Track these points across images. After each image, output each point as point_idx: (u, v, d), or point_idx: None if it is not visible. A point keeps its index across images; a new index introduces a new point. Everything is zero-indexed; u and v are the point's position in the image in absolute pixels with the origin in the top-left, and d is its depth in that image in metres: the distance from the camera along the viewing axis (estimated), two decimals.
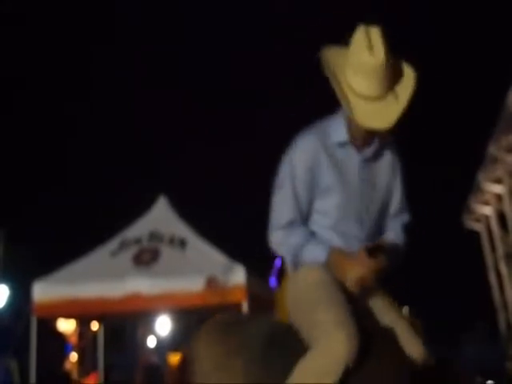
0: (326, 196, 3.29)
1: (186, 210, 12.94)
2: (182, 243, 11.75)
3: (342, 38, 3.20)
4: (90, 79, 36.46)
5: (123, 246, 12.00)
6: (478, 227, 20.56)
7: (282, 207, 3.32)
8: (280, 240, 3.33)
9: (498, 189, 16.60)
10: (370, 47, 3.02)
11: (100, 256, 11.96)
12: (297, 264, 3.29)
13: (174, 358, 16.18)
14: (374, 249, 3.15)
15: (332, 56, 3.20)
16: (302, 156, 3.27)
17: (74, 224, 28.54)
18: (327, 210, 3.32)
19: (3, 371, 14.08)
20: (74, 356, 17.91)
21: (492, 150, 14.92)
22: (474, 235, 21.06)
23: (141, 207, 12.98)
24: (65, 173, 34.03)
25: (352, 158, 3.31)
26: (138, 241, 12.04)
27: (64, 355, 17.83)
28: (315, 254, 3.23)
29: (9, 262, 19.86)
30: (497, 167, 15.58)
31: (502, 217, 17.10)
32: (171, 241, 11.84)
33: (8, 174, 27.92)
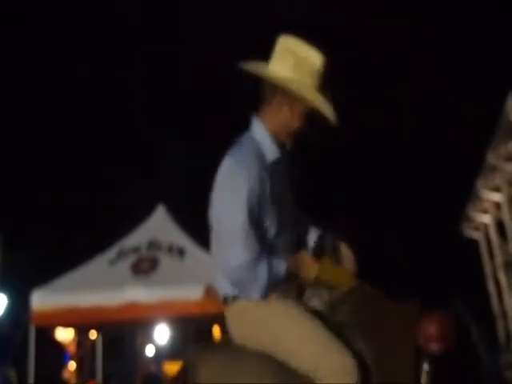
0: (268, 212, 3.22)
1: (185, 219, 12.94)
2: (181, 252, 11.76)
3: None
4: (89, 80, 36.49)
5: (121, 254, 12.00)
6: (477, 235, 20.57)
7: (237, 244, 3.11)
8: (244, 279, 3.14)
9: (496, 197, 16.61)
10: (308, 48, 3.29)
11: (98, 265, 11.96)
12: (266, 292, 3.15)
13: (172, 367, 16.16)
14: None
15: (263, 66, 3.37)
16: (249, 182, 3.12)
17: (73, 232, 28.52)
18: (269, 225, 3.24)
19: (2, 379, 14.07)
20: (72, 365, 17.90)
21: (491, 158, 14.93)
22: (473, 243, 21.07)
23: (139, 215, 12.99)
24: (64, 180, 34.03)
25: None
26: (136, 249, 12.04)
27: (62, 364, 17.83)
28: (278, 269, 3.14)
29: (7, 270, 19.85)
30: (495, 175, 15.59)
31: (500, 225, 17.10)
32: (170, 249, 11.85)
33: (6, 182, 27.92)
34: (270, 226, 3.22)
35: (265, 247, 3.15)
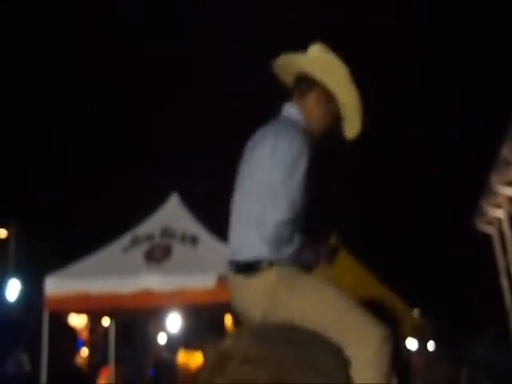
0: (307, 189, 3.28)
1: (198, 207, 12.99)
2: (194, 240, 11.79)
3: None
4: (91, 79, 36.57)
5: (135, 242, 12.05)
6: (490, 230, 20.51)
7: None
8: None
9: (510, 192, 16.56)
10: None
11: (112, 252, 12.02)
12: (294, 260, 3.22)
13: (185, 356, 16.21)
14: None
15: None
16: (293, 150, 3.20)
17: (87, 219, 28.64)
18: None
19: (15, 364, 14.18)
20: (84, 351, 18.00)
21: (505, 152, 14.89)
22: (486, 238, 21.02)
23: (153, 203, 13.05)
24: (78, 167, 34.15)
25: None
26: (149, 237, 12.09)
27: (75, 350, 17.93)
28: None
29: (21, 256, 19.96)
30: (510, 170, 15.54)
31: None
32: (183, 237, 11.88)
33: (20, 170, 28.06)
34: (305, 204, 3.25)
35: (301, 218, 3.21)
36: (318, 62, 3.45)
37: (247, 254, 3.24)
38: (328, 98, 3.46)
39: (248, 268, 3.21)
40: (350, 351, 3.00)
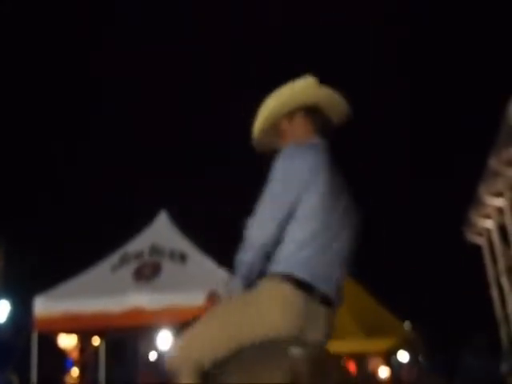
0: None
1: (187, 225, 12.97)
2: (183, 257, 11.76)
3: None
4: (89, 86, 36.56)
5: (124, 260, 12.02)
6: (480, 241, 20.56)
7: None
8: None
9: (498, 202, 16.62)
10: None
11: (101, 271, 11.98)
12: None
13: None
14: None
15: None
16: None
17: (76, 238, 28.54)
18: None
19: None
20: (75, 371, 17.87)
21: (493, 163, 14.94)
22: (476, 249, 21.08)
23: (142, 222, 13.02)
24: (66, 187, 34.04)
25: None
26: (138, 255, 12.05)
27: (65, 370, 17.81)
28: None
29: (10, 276, 19.86)
30: (497, 181, 15.60)
31: (503, 230, 17.10)
32: (172, 255, 11.85)
33: (7, 189, 27.96)
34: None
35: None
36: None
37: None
38: (290, 115, 3.57)
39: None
40: None
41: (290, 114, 3.54)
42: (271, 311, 3.07)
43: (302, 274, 3.10)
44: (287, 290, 3.07)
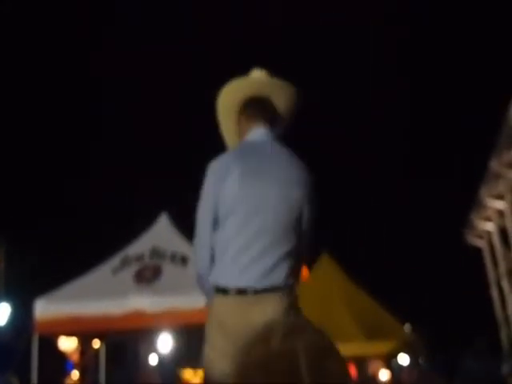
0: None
1: (188, 227, 12.94)
2: (184, 260, 11.74)
3: None
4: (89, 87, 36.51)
5: (125, 263, 12.00)
6: (481, 243, 20.54)
7: None
8: None
9: (499, 205, 16.60)
10: None
11: (102, 273, 11.95)
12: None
13: (184, 374, 16.13)
14: None
15: None
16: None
17: (76, 241, 28.52)
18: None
19: None
20: (75, 374, 17.85)
21: (494, 166, 14.93)
22: (476, 251, 21.06)
23: (142, 224, 13.00)
24: (66, 190, 34.02)
25: None
26: (139, 258, 12.03)
27: (65, 373, 17.80)
28: None
29: (11, 279, 19.85)
30: (499, 183, 15.59)
31: (504, 233, 17.09)
32: (173, 258, 11.83)
33: (9, 192, 27.93)
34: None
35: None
36: (269, 84, 3.65)
37: (266, 281, 3.25)
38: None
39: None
40: None
41: (236, 114, 3.70)
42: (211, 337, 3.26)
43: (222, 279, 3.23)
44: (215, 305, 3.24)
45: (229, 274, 3.21)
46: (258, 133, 3.55)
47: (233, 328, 3.11)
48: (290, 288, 3.21)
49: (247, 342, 1.63)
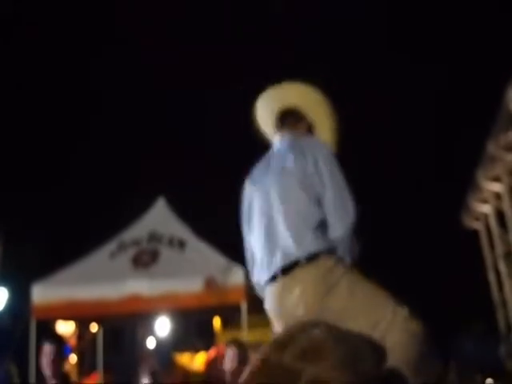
0: None
1: (185, 211, 12.93)
2: (181, 244, 11.73)
3: None
4: (89, 82, 36.44)
5: (122, 247, 11.98)
6: (477, 226, 20.55)
7: None
8: None
9: (496, 187, 16.58)
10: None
11: (99, 258, 11.94)
12: None
13: (181, 359, 16.14)
14: None
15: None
16: None
17: (73, 225, 28.50)
18: None
19: (3, 374, 14.04)
20: (73, 358, 17.87)
21: (491, 148, 14.91)
22: (473, 234, 21.07)
23: (140, 208, 12.98)
24: (63, 174, 33.95)
25: None
26: (136, 242, 12.02)
27: (63, 357, 17.81)
28: None
29: (8, 264, 19.82)
30: (495, 165, 15.56)
31: (500, 215, 17.07)
32: (170, 242, 11.83)
33: (5, 175, 27.86)
34: None
35: None
36: (303, 96, 3.93)
37: (302, 251, 3.34)
38: (311, 126, 3.98)
39: (308, 260, 3.32)
40: (382, 331, 3.12)
41: (272, 125, 4.00)
42: None
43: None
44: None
45: (260, 273, 3.54)
46: (276, 140, 3.91)
47: (273, 314, 3.41)
48: (315, 259, 3.32)
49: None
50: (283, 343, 2.16)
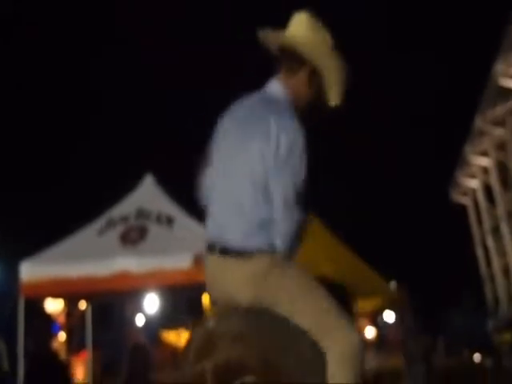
0: None
1: (173, 188, 12.90)
2: (169, 220, 11.70)
3: None
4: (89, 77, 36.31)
5: (110, 224, 11.94)
6: (465, 201, 20.65)
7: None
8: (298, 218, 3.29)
9: (484, 162, 16.65)
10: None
11: (87, 235, 11.90)
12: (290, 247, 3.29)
13: (168, 336, 16.15)
14: None
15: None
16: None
17: (61, 203, 28.49)
18: None
19: None
20: (62, 335, 17.90)
21: (478, 123, 14.94)
22: (462, 209, 21.18)
23: (127, 186, 12.94)
24: (52, 154, 33.89)
25: None
26: (124, 219, 11.99)
27: (52, 335, 17.83)
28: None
29: None
30: (483, 140, 15.62)
31: (488, 190, 17.16)
32: (158, 218, 11.79)
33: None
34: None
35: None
36: (305, 37, 3.44)
37: (238, 239, 3.21)
38: (315, 74, 3.47)
39: (240, 253, 3.18)
40: (326, 346, 3.02)
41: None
42: None
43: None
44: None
45: (213, 229, 3.39)
46: (271, 85, 3.53)
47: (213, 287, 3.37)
48: (264, 253, 3.20)
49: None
50: (205, 349, 2.19)
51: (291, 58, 3.48)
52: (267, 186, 3.19)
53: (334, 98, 3.52)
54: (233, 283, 3.20)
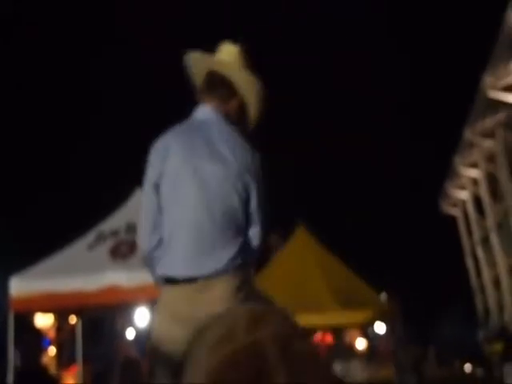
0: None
1: None
2: None
3: None
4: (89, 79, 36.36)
5: (100, 238, 11.94)
6: (455, 212, 20.72)
7: None
8: None
9: (474, 173, 16.72)
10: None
11: (77, 249, 11.89)
12: None
13: None
14: None
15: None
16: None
17: (51, 217, 28.40)
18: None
19: None
20: (52, 350, 17.82)
21: (468, 134, 15.01)
22: (452, 220, 21.24)
23: (117, 199, 12.93)
24: (41, 167, 33.82)
25: None
26: (115, 233, 11.99)
27: (42, 349, 17.75)
28: None
29: None
30: (473, 152, 15.69)
31: (478, 201, 17.24)
32: None
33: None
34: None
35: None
36: (237, 69, 3.59)
37: (211, 267, 3.24)
38: (243, 105, 3.59)
39: (211, 276, 3.23)
40: None
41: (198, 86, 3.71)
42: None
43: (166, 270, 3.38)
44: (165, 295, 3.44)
45: (177, 264, 3.28)
46: (205, 111, 3.54)
47: (186, 315, 3.15)
48: (239, 268, 3.23)
49: (212, 339, 1.58)
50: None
51: (222, 86, 3.57)
52: (236, 213, 3.24)
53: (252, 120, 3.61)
54: (206, 306, 3.14)
